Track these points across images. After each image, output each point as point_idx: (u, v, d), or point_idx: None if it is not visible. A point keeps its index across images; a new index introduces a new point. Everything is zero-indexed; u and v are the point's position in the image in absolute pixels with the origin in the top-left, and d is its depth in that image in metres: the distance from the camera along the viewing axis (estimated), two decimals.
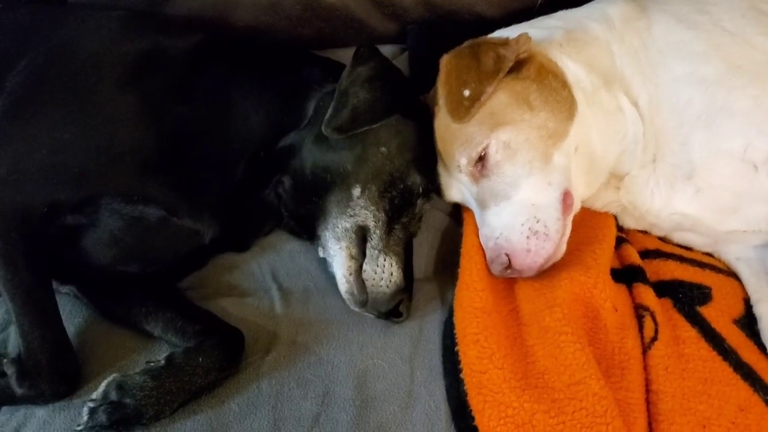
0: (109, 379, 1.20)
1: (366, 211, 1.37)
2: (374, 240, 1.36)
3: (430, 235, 1.54)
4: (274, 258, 1.51)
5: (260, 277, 1.48)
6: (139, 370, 1.22)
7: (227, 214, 1.42)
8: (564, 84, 1.45)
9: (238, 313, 1.40)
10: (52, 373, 1.22)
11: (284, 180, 1.44)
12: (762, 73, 1.45)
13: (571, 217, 1.41)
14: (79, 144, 1.29)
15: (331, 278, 1.44)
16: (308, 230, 1.46)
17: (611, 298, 1.36)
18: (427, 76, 1.54)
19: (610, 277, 1.41)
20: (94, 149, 1.29)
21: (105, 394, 1.19)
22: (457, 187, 1.47)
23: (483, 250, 1.41)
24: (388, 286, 1.34)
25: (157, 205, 1.33)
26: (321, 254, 1.44)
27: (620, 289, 1.43)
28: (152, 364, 1.23)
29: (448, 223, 1.57)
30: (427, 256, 1.52)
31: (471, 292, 1.36)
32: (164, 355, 1.25)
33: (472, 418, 1.24)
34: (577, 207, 1.46)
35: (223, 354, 1.26)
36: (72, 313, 1.38)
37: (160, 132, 1.34)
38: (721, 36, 1.51)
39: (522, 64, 1.43)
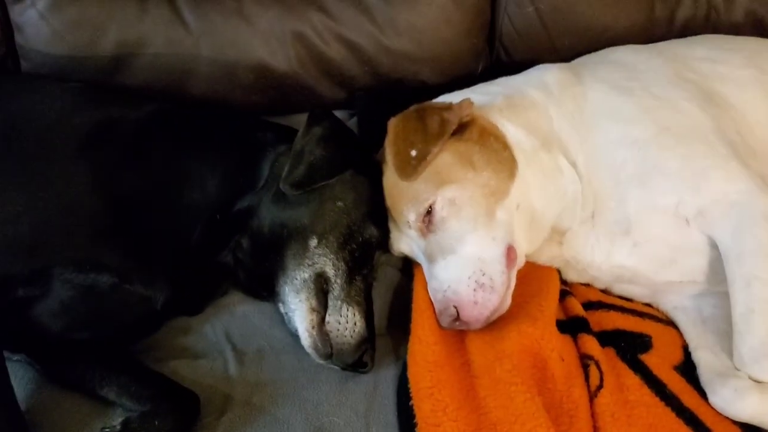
0: None
1: (325, 259, 1.41)
2: (335, 290, 1.40)
3: (383, 290, 1.57)
4: (228, 319, 1.52)
5: (214, 339, 1.49)
6: None
7: (181, 279, 1.44)
8: (505, 145, 1.54)
9: (191, 376, 1.39)
10: None
11: (242, 241, 1.47)
12: (688, 135, 1.57)
13: (515, 271, 1.47)
14: (31, 215, 1.30)
15: (286, 337, 1.47)
16: (267, 288, 1.48)
17: (558, 349, 1.42)
18: (375, 140, 1.61)
19: (556, 328, 1.47)
20: (46, 220, 1.31)
21: None
22: (406, 242, 1.52)
23: (433, 304, 1.45)
24: (352, 336, 1.36)
25: (109, 272, 1.35)
26: (282, 310, 1.46)
27: (566, 340, 1.48)
28: (107, 429, 1.22)
29: (400, 278, 1.61)
30: (381, 312, 1.54)
31: (423, 346, 1.39)
32: (120, 420, 1.24)
33: None
34: (521, 261, 1.53)
35: (178, 417, 1.25)
36: (24, 379, 1.36)
37: (112, 200, 1.37)
38: (650, 100, 1.64)
39: (465, 127, 1.52)
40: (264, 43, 1.80)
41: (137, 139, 1.44)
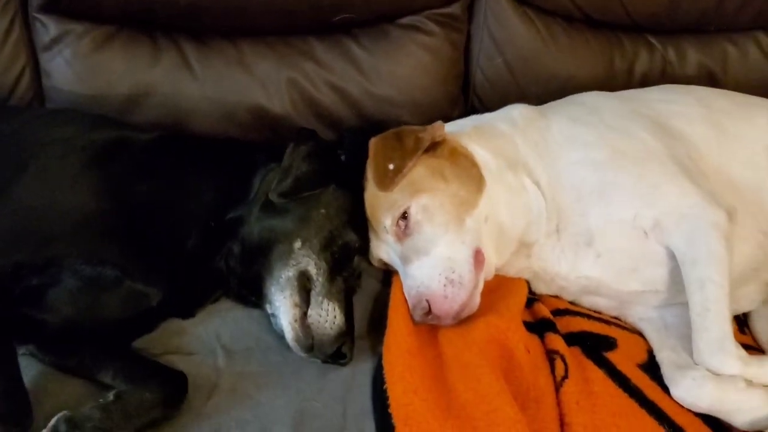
0: (60, 414, 1.28)
1: (308, 259, 1.53)
2: (317, 287, 1.51)
3: (364, 298, 1.69)
4: (219, 323, 1.62)
5: (205, 339, 1.58)
6: (88, 406, 1.30)
7: (177, 280, 1.57)
8: (473, 164, 1.69)
9: (183, 367, 1.47)
10: (6, 414, 1.27)
11: (234, 247, 1.61)
12: (643, 158, 1.72)
13: (483, 273, 1.59)
14: (48, 211, 1.47)
15: (273, 339, 1.57)
16: (256, 293, 1.60)
17: (523, 340, 1.52)
18: (360, 172, 1.77)
19: (523, 325, 1.57)
20: (61, 216, 1.47)
21: (54, 427, 1.26)
22: (385, 249, 1.66)
23: (408, 303, 1.57)
24: (332, 329, 1.47)
25: (113, 267, 1.48)
26: (269, 311, 1.57)
27: (533, 337, 1.58)
28: (102, 400, 1.32)
29: (381, 289, 1.73)
30: (361, 317, 1.64)
31: (398, 337, 1.49)
32: (113, 392, 1.34)
33: None
34: (490, 271, 1.65)
35: (167, 390, 1.35)
36: (28, 368, 1.45)
37: (120, 205, 1.52)
38: (607, 130, 1.79)
39: (437, 146, 1.69)
40: (261, 88, 2.02)
41: (145, 154, 1.63)
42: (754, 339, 1.78)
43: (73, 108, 1.86)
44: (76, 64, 1.93)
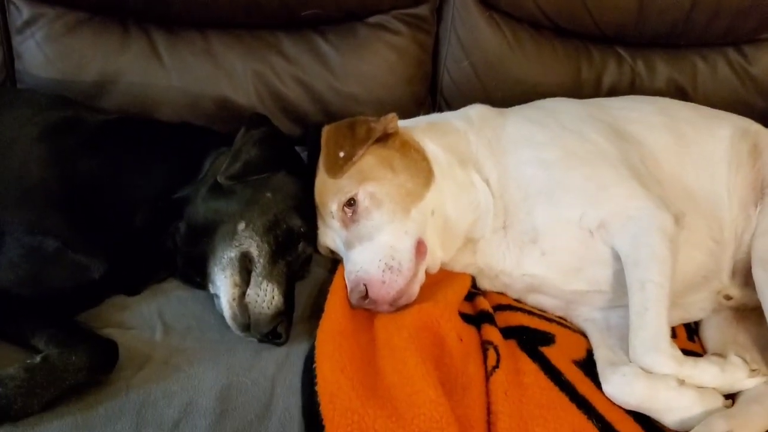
0: None
1: (250, 240, 1.56)
2: (258, 268, 1.53)
3: (309, 286, 1.71)
4: (163, 301, 1.65)
5: (147, 316, 1.60)
6: (14, 366, 1.31)
7: (122, 256, 1.59)
8: (423, 157, 1.72)
9: (120, 340, 1.48)
10: None
11: (180, 226, 1.63)
12: (593, 159, 1.74)
13: (424, 264, 1.61)
14: None
15: (215, 320, 1.59)
16: (200, 272, 1.62)
17: (456, 329, 1.53)
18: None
19: (458, 315, 1.58)
20: (4, 185, 1.50)
21: None
22: (331, 236, 1.68)
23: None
24: (269, 308, 1.49)
25: (54, 237, 1.51)
26: (211, 290, 1.60)
27: (469, 328, 1.59)
28: (28, 361, 1.33)
29: (327, 277, 1.73)
30: (304, 303, 1.67)
31: (332, 319, 1.51)
32: (42, 354, 1.35)
33: (323, 427, 1.34)
34: (435, 267, 1.68)
35: (95, 356, 1.37)
36: None
37: (65, 178, 1.56)
38: (561, 132, 1.82)
39: (389, 137, 1.72)
40: (227, 79, 2.07)
41: (97, 133, 1.66)
42: (702, 347, 1.78)
43: (36, 89, 1.90)
44: (47, 48, 1.98)
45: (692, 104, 2.11)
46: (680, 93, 2.30)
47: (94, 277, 1.56)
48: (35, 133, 1.58)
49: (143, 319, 1.60)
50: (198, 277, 1.65)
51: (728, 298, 1.79)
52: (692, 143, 1.88)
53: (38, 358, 1.33)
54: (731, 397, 1.52)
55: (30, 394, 1.28)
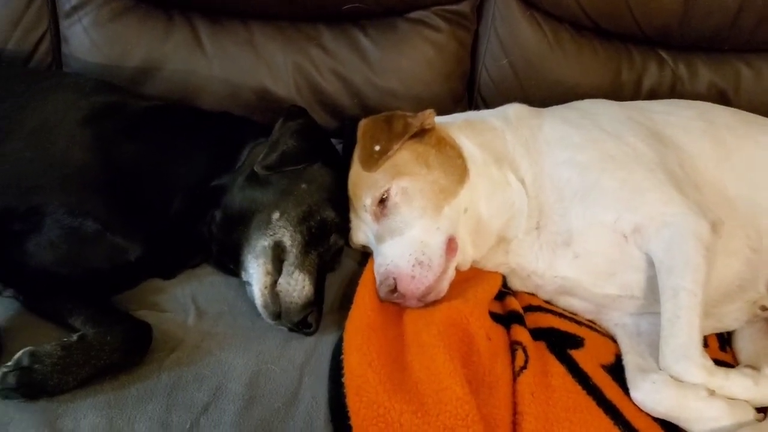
0: (25, 349, 1.33)
1: (284, 230, 1.58)
2: (290, 258, 1.55)
3: (340, 277, 1.73)
4: (197, 286, 1.68)
5: (181, 299, 1.64)
6: (51, 344, 1.35)
7: (159, 240, 1.62)
8: (459, 154, 1.72)
9: (154, 322, 1.52)
10: None
11: (216, 214, 1.66)
12: (630, 162, 1.72)
13: (454, 261, 1.61)
14: (35, 162, 1.55)
15: (246, 306, 1.61)
16: (234, 260, 1.65)
17: (485, 328, 1.53)
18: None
19: (488, 314, 1.58)
20: (47, 167, 1.54)
21: (18, 360, 1.31)
22: (363, 229, 1.69)
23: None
24: (299, 298, 1.51)
25: (94, 219, 1.55)
26: (244, 278, 1.62)
27: (498, 327, 1.59)
28: (65, 339, 1.37)
29: (357, 270, 1.74)
30: (334, 294, 1.69)
31: (362, 311, 1.52)
32: (78, 333, 1.39)
33: (348, 418, 1.36)
34: (466, 264, 1.69)
35: (130, 337, 1.40)
36: (7, 309, 1.53)
37: (108, 163, 1.59)
38: (598, 133, 1.80)
39: (425, 133, 1.72)
40: (267, 70, 2.09)
41: (140, 118, 1.69)
42: (734, 357, 1.76)
43: (82, 73, 1.94)
44: (94, 33, 2.02)
45: (733, 109, 2.06)
46: (722, 98, 2.25)
47: (130, 260, 1.59)
48: (79, 117, 1.62)
49: (177, 302, 1.64)
50: (231, 264, 1.67)
51: (764, 308, 1.76)
52: (732, 149, 1.85)
53: (75, 337, 1.37)
54: (763, 411, 1.49)
55: (66, 371, 1.32)
